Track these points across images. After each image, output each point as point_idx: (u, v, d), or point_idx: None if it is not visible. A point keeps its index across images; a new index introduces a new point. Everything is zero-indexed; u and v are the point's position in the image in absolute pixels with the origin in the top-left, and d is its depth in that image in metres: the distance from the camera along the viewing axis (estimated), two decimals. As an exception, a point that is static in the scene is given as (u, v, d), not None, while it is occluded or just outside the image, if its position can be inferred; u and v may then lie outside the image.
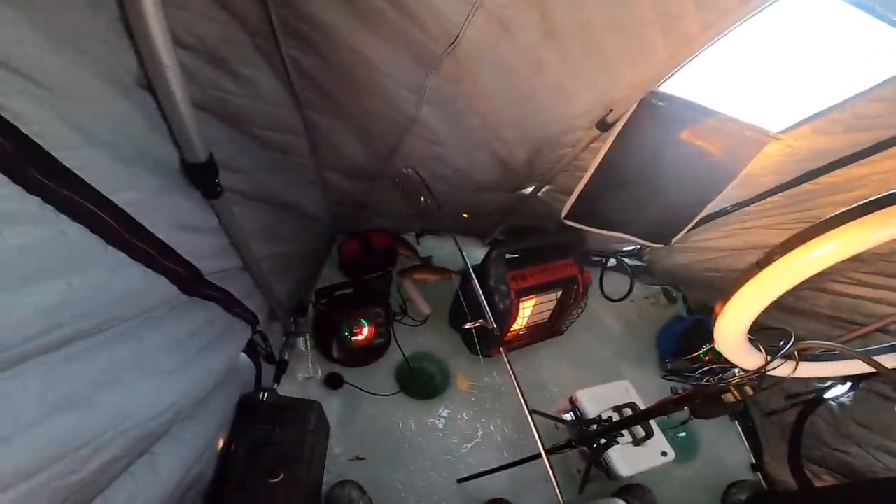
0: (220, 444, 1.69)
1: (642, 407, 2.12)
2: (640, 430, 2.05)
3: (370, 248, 2.53)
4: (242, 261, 1.60)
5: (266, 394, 1.80)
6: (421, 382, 2.40)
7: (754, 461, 2.63)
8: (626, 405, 2.12)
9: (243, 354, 1.87)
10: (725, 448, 2.68)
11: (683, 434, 2.62)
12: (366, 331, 2.18)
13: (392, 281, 2.45)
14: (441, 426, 2.35)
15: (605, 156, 1.62)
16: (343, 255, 2.51)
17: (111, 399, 0.96)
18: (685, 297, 3.06)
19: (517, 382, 1.38)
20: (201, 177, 1.21)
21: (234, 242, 1.49)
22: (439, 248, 2.80)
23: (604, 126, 1.55)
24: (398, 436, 2.28)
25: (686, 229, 1.90)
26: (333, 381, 2.26)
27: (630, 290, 2.52)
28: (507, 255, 2.15)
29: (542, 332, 2.48)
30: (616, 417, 2.08)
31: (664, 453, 2.07)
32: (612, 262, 2.68)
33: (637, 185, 1.72)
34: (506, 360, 1.42)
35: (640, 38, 1.25)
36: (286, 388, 2.23)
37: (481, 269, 2.15)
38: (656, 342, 2.89)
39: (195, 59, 1.11)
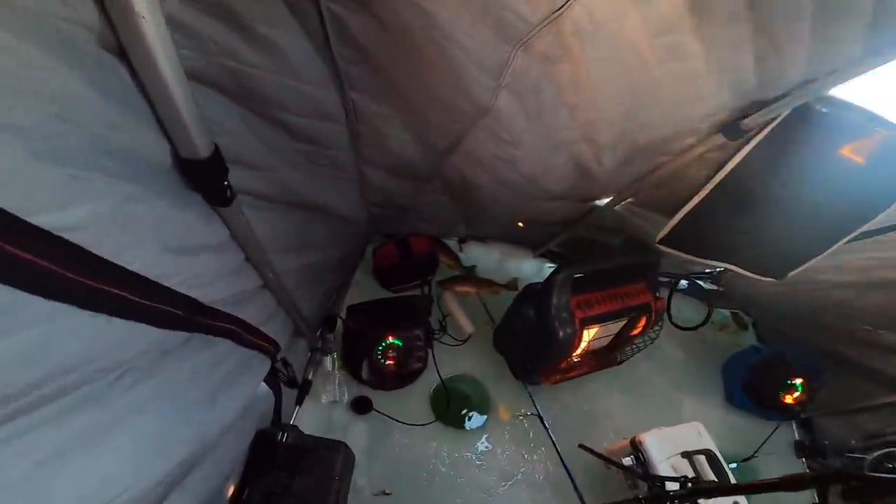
0: (231, 490, 1.36)
1: (717, 453, 1.73)
2: (712, 477, 1.65)
3: (409, 254, 2.16)
4: (262, 278, 1.25)
5: (286, 434, 1.46)
6: (458, 410, 2.04)
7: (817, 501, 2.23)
8: (699, 452, 1.72)
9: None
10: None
11: (734, 465, 2.22)
12: (402, 355, 1.82)
13: (433, 299, 2.08)
14: (478, 460, 2.00)
15: (732, 170, 1.21)
16: (378, 260, 2.15)
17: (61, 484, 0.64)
18: (756, 324, 2.61)
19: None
20: (203, 178, 0.85)
21: (251, 258, 1.14)
22: (484, 257, 2.41)
23: (734, 133, 1.13)
24: (429, 469, 1.94)
25: (809, 264, 1.48)
26: (361, 406, 1.92)
27: (707, 319, 2.10)
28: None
29: (598, 361, 2.09)
30: (687, 466, 1.68)
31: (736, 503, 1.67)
32: (684, 283, 2.25)
33: (763, 208, 1.30)
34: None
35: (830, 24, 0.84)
36: (308, 411, 1.91)
37: (540, 291, 1.76)
38: (722, 373, 2.46)
39: (195, 12, 0.73)
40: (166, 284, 0.83)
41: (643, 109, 1.15)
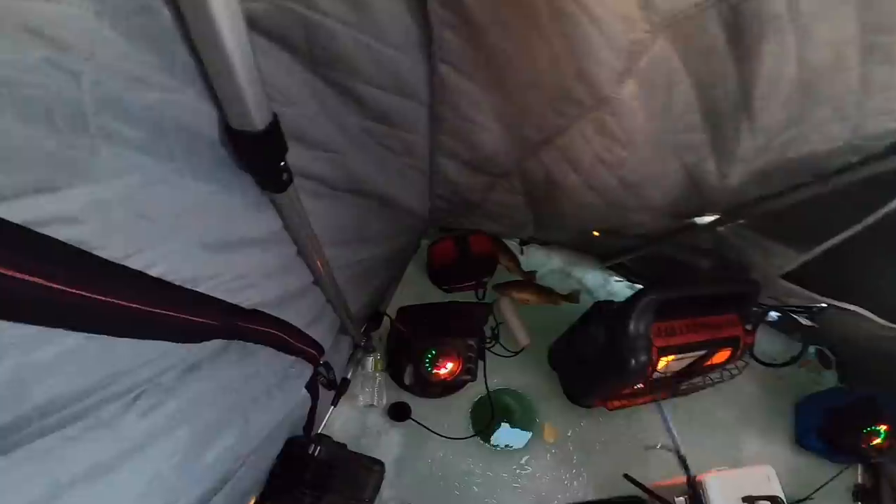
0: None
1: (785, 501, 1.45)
2: None
3: (467, 252, 1.93)
4: (313, 274, 1.06)
5: (319, 448, 1.28)
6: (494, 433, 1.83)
7: None
8: (764, 498, 1.45)
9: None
10: None
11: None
12: (451, 365, 1.61)
13: (491, 309, 1.84)
14: (514, 482, 1.79)
15: None
16: (435, 257, 1.94)
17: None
18: (839, 364, 2.24)
19: None
20: (257, 155, 0.65)
21: (304, 252, 0.94)
22: (546, 263, 2.16)
23: None
24: (461, 487, 1.75)
25: None
26: (399, 412, 1.74)
27: (799, 357, 1.79)
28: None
29: (664, 390, 1.81)
30: None
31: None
32: (773, 315, 1.93)
33: None
34: None
35: None
36: (342, 412, 1.75)
37: (617, 312, 1.50)
38: (795, 413, 2.13)
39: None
40: (199, 290, 0.63)
41: (813, 115, 0.87)
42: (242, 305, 0.78)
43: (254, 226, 0.75)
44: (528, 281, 2.04)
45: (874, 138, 0.91)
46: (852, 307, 1.22)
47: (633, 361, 1.45)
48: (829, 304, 1.33)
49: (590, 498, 1.80)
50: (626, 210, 1.40)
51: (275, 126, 0.61)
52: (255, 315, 0.86)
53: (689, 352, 1.51)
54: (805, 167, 1.03)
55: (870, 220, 0.98)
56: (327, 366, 1.38)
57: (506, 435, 1.80)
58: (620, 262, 2.05)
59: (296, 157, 0.77)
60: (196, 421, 0.73)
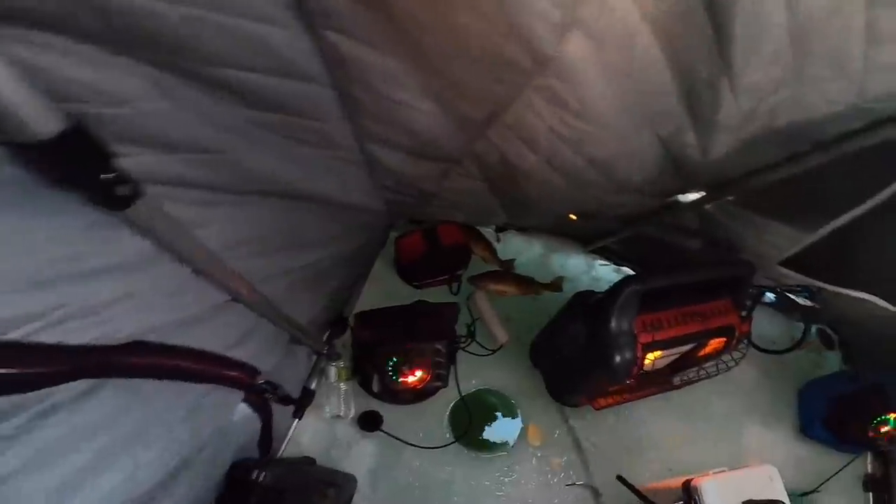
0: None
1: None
2: None
3: (437, 245, 1.77)
4: (228, 292, 0.90)
5: (262, 473, 1.14)
6: (481, 430, 1.69)
7: None
8: (765, 502, 1.31)
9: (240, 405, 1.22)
10: None
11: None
12: (419, 373, 1.47)
13: (459, 308, 1.68)
14: (499, 490, 1.66)
15: None
16: (402, 252, 1.78)
17: None
18: (842, 342, 2.08)
19: None
20: (61, 169, 0.48)
21: (201, 269, 0.78)
22: (525, 250, 1.99)
23: None
24: (442, 498, 1.62)
25: None
26: (369, 422, 1.61)
27: (802, 341, 1.63)
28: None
29: (655, 386, 1.67)
30: None
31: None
32: (770, 296, 1.77)
33: None
34: None
35: None
36: (310, 424, 1.61)
37: (597, 307, 1.35)
38: (799, 399, 1.99)
39: None
40: (12, 337, 0.48)
41: (808, 72, 0.70)
42: (103, 342, 0.63)
43: (103, 251, 0.59)
44: (506, 271, 1.89)
45: (882, 99, 0.74)
46: (862, 295, 1.05)
47: (616, 360, 1.31)
48: (834, 292, 1.17)
49: (582, 499, 1.68)
50: (599, 191, 1.23)
51: (74, 132, 0.44)
52: (134, 348, 0.71)
53: (679, 346, 1.36)
54: (800, 135, 0.87)
55: (882, 195, 0.81)
56: (270, 384, 1.23)
57: (500, 428, 1.69)
58: (604, 246, 1.89)
59: (151, 163, 0.61)
60: (53, 470, 0.59)
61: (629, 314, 1.29)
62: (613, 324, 1.27)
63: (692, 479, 1.35)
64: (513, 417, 1.72)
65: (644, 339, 1.29)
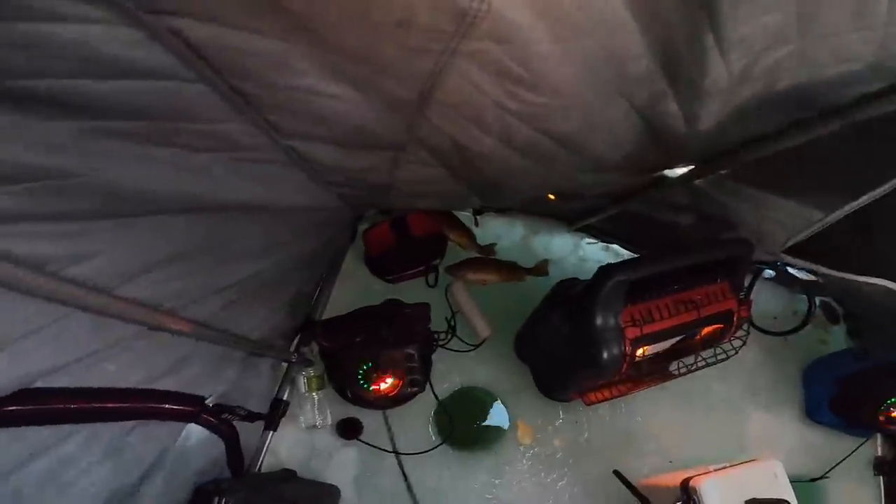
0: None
1: (794, 502, 1.21)
2: None
3: (407, 235, 1.62)
4: (136, 323, 0.77)
5: (223, 498, 1.03)
6: (468, 431, 1.59)
7: None
8: (771, 502, 1.20)
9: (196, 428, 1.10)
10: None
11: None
12: (391, 380, 1.34)
13: (430, 307, 1.53)
14: (489, 494, 1.57)
15: None
16: (370, 245, 1.63)
17: None
18: (847, 316, 1.91)
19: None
20: None
21: (83, 304, 0.64)
22: (506, 233, 1.83)
23: None
24: (433, 500, 1.53)
25: None
26: (348, 430, 1.50)
27: (806, 322, 1.49)
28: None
29: (650, 377, 1.53)
30: None
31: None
32: (770, 271, 1.62)
33: None
34: None
35: None
36: (288, 433, 1.52)
37: (579, 301, 1.21)
38: (804, 380, 1.85)
39: None
40: None
41: (817, 22, 0.53)
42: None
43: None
44: (487, 257, 1.74)
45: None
46: (878, 281, 0.90)
47: (602, 357, 1.17)
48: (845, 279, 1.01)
49: (578, 497, 1.58)
50: (571, 171, 1.07)
51: None
52: (18, 396, 0.60)
53: (672, 337, 1.22)
54: (806, 99, 0.70)
55: None
56: (222, 407, 1.11)
57: (498, 414, 1.63)
58: (592, 226, 1.74)
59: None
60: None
61: (615, 307, 1.15)
62: (598, 320, 1.13)
63: (691, 478, 1.24)
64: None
65: (632, 333, 1.16)
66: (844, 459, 1.70)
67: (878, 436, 1.80)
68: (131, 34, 0.46)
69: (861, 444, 1.73)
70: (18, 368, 0.62)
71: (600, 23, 0.60)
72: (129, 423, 0.85)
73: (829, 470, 1.70)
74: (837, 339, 1.88)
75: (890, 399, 1.52)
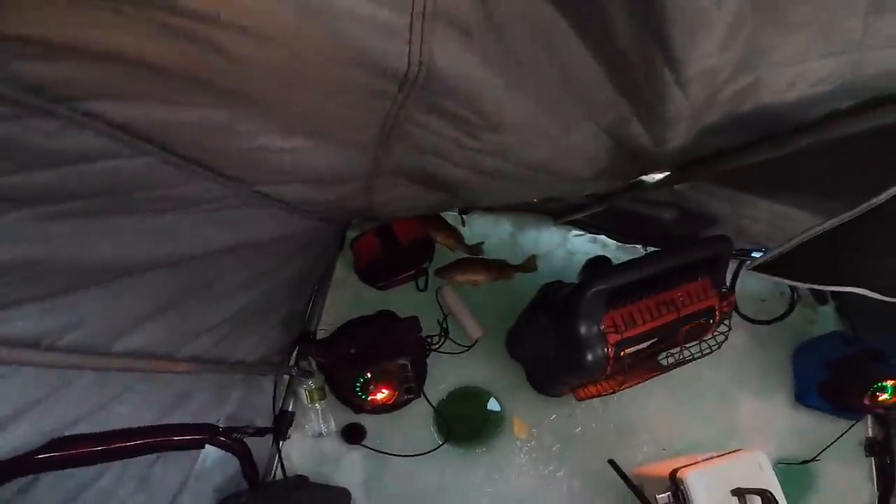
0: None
1: (777, 493, 1.24)
2: None
3: (394, 242, 1.62)
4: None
5: None
6: (467, 429, 1.63)
7: None
8: (753, 492, 1.23)
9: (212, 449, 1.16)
10: (847, 486, 1.79)
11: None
12: (386, 391, 1.37)
13: (418, 319, 1.54)
14: (490, 488, 1.62)
15: None
16: (358, 255, 1.64)
17: None
18: (836, 295, 1.89)
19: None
20: None
21: (82, 367, 0.66)
22: (493, 231, 1.83)
23: None
24: (437, 498, 1.59)
25: None
26: (353, 435, 1.55)
27: (790, 310, 1.49)
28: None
29: (639, 372, 1.53)
30: None
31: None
32: (754, 254, 1.61)
33: None
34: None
35: None
36: (297, 442, 1.57)
37: (562, 308, 1.21)
38: (793, 363, 1.84)
39: None
40: None
41: (781, 48, 0.51)
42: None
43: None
44: (475, 257, 1.73)
45: (882, 77, 0.55)
46: (852, 290, 0.89)
47: (586, 360, 1.19)
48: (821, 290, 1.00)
49: (576, 489, 1.62)
50: (548, 187, 1.07)
51: None
52: (55, 444, 0.70)
53: (654, 337, 1.23)
54: (774, 119, 0.69)
55: (881, 198, 0.63)
56: (231, 429, 1.16)
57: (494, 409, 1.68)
58: (577, 221, 1.73)
59: None
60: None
61: (596, 314, 1.16)
62: (581, 329, 1.14)
63: (678, 469, 1.28)
64: (494, 419, 1.67)
65: (614, 339, 1.17)
66: (834, 442, 1.72)
67: (869, 417, 1.81)
68: (46, 124, 0.45)
69: (850, 427, 1.75)
70: (45, 426, 0.68)
71: (553, 60, 0.58)
72: (152, 457, 0.93)
73: (820, 452, 1.72)
74: (826, 319, 1.88)
75: (877, 383, 1.53)
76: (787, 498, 1.30)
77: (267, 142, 0.62)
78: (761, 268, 0.80)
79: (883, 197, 0.66)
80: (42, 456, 0.71)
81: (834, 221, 0.69)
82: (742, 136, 0.78)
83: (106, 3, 0.36)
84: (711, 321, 1.28)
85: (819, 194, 0.90)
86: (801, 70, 0.60)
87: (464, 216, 1.81)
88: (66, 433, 0.73)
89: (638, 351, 1.34)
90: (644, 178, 1.12)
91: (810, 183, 0.88)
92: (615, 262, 1.47)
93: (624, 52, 0.59)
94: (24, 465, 0.69)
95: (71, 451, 0.75)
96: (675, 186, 1.08)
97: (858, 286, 0.81)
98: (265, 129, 0.59)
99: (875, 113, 0.60)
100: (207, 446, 1.13)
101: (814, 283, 0.83)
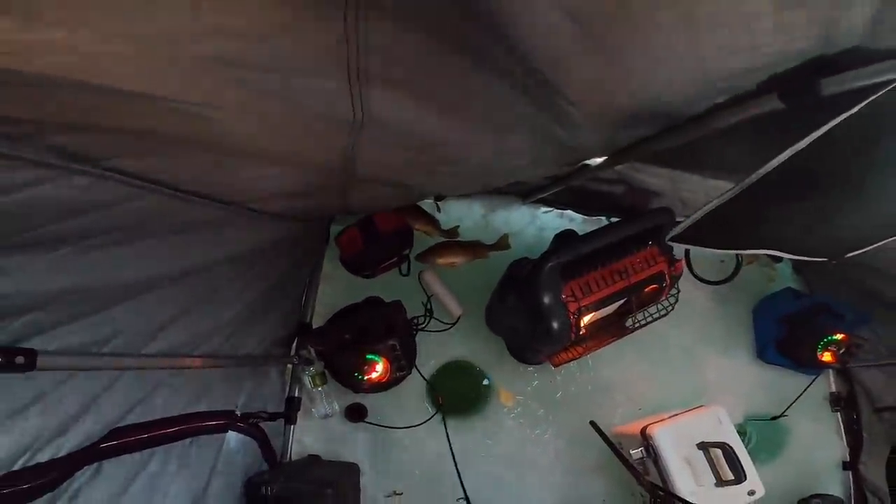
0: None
1: (735, 445, 1.45)
2: (727, 471, 1.41)
3: (375, 234, 1.77)
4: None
5: (269, 488, 1.31)
6: (458, 400, 1.82)
7: (848, 459, 1.91)
8: (715, 445, 1.45)
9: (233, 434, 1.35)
10: (817, 442, 1.93)
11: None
12: (380, 367, 1.55)
13: (401, 304, 1.73)
14: (484, 452, 1.82)
15: (808, 145, 0.71)
16: (343, 248, 1.79)
17: None
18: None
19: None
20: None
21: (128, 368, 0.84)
22: (466, 214, 1.98)
23: (809, 93, 0.64)
24: (437, 463, 1.77)
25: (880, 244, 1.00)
26: (355, 413, 1.74)
27: (737, 271, 1.65)
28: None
29: (607, 334, 1.71)
30: (703, 459, 1.44)
31: (752, 492, 1.44)
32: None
33: (839, 189, 0.81)
34: None
35: None
36: (307, 425, 1.75)
37: (524, 283, 1.38)
38: (754, 320, 1.98)
39: None
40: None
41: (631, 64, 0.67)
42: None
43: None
44: (451, 240, 1.89)
45: (725, 78, 0.71)
46: (763, 251, 1.04)
47: (552, 329, 1.37)
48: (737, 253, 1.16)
49: (562, 448, 1.82)
50: (504, 175, 1.22)
51: None
52: (112, 434, 0.88)
53: (611, 303, 1.41)
54: (668, 114, 0.84)
55: (771, 164, 0.77)
56: (247, 415, 1.35)
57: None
58: (544, 200, 1.89)
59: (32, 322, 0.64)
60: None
61: (555, 287, 1.33)
62: (544, 300, 1.31)
63: (647, 426, 1.47)
64: (482, 390, 1.86)
65: (573, 307, 1.35)
66: (798, 398, 1.84)
67: (830, 372, 1.90)
68: (80, 181, 0.61)
69: (811, 383, 1.86)
70: (102, 419, 0.85)
71: (474, 92, 0.73)
72: (187, 441, 1.11)
73: (787, 409, 1.84)
74: (785, 274, 2.02)
75: (825, 338, 1.64)
76: (762, 455, 1.46)
77: (251, 173, 0.78)
78: (677, 239, 0.96)
79: (762, 172, 0.83)
80: (105, 445, 0.87)
81: (726, 196, 0.85)
82: (650, 127, 0.94)
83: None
84: (664, 285, 1.45)
85: (730, 170, 1.06)
86: (667, 77, 0.75)
87: (439, 203, 1.96)
88: (120, 424, 0.90)
89: (605, 316, 1.53)
90: (587, 161, 1.28)
91: (722, 161, 1.05)
92: (581, 234, 1.64)
93: (525, 83, 0.74)
94: (92, 453, 0.85)
95: (127, 439, 0.92)
96: (616, 167, 1.24)
97: (764, 248, 0.97)
98: (249, 164, 0.75)
99: (741, 107, 0.76)
100: (229, 432, 1.33)
101: (726, 248, 0.99)
